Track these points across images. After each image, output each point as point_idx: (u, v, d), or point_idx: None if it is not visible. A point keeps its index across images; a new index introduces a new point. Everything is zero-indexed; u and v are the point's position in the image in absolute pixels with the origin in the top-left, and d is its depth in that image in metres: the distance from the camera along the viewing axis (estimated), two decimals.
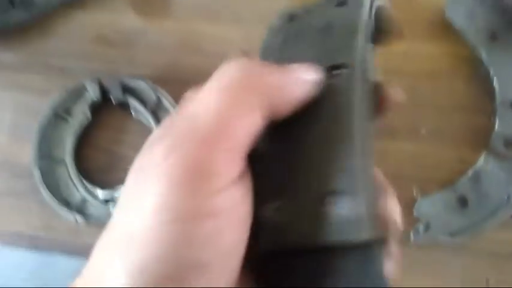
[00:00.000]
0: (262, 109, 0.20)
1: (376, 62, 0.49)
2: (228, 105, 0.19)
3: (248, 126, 0.19)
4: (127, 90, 0.49)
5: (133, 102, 0.48)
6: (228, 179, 0.18)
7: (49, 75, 0.52)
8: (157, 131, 0.21)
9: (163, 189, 0.18)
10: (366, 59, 0.23)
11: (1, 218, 0.49)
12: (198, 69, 0.51)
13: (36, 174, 0.46)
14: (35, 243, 0.48)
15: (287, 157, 0.21)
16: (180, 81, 0.50)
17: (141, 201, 0.18)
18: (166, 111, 0.48)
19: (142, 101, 0.48)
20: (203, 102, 0.20)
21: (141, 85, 0.48)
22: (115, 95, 0.48)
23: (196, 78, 0.51)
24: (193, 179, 0.18)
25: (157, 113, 0.48)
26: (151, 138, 0.21)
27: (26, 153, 0.49)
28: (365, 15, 0.23)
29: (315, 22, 0.24)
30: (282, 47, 0.25)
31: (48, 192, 0.46)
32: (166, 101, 0.47)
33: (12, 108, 0.52)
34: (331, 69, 0.22)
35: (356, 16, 0.23)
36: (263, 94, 0.20)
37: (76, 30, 0.53)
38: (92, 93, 0.48)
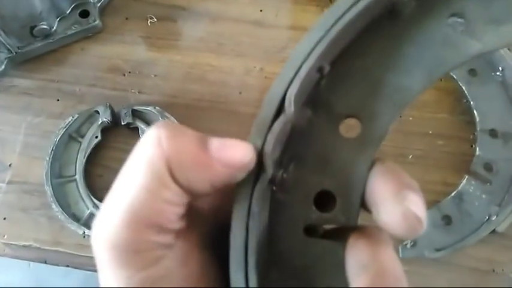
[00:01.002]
0: (179, 185, 0.19)
1: None
2: (147, 183, 0.19)
3: (169, 203, 0.19)
4: (136, 114, 0.52)
5: (141, 126, 0.52)
6: (157, 252, 0.19)
7: (62, 100, 0.56)
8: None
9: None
10: None
11: (12, 232, 0.51)
12: (201, 96, 0.55)
13: (48, 191, 0.49)
14: (43, 257, 0.51)
15: None
16: (185, 107, 0.55)
17: None
18: None
19: (150, 125, 0.52)
20: (128, 180, 0.20)
21: (150, 110, 0.52)
22: (125, 119, 0.52)
23: (200, 103, 0.56)
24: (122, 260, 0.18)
25: None
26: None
27: (37, 172, 0.52)
28: None
29: None
30: None
31: (59, 208, 0.48)
32: None
33: (25, 130, 0.55)
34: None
35: None
36: (177, 170, 0.19)
37: (90, 60, 0.58)
38: (104, 117, 0.52)
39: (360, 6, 0.20)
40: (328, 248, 0.21)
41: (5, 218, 0.52)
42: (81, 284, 1.46)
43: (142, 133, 0.52)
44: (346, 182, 0.21)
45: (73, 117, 0.52)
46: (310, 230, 0.21)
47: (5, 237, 0.52)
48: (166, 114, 0.52)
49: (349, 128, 0.22)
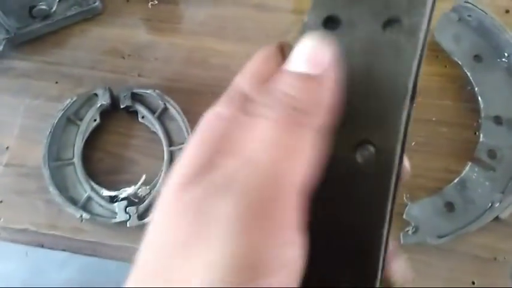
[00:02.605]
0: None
1: None
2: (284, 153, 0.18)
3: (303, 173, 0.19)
4: (136, 98, 0.52)
5: (141, 109, 0.51)
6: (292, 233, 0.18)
7: (61, 83, 0.55)
8: (215, 176, 0.18)
9: (231, 240, 0.17)
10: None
11: (8, 215, 0.51)
12: (203, 80, 0.54)
13: (46, 174, 0.48)
14: (40, 241, 0.50)
15: None
16: (185, 91, 0.54)
17: (201, 250, 0.17)
18: (172, 118, 0.51)
19: (150, 108, 0.51)
20: (260, 148, 0.19)
21: (149, 94, 0.51)
22: (124, 102, 0.51)
23: (201, 88, 0.55)
24: (260, 230, 0.17)
25: (163, 119, 0.51)
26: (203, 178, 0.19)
27: (34, 155, 0.52)
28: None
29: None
30: None
31: (56, 191, 0.48)
32: (173, 109, 0.50)
33: (23, 113, 0.55)
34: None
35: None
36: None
37: (90, 42, 0.57)
38: (103, 99, 0.51)
39: None
40: None
41: (1, 201, 0.52)
42: (78, 273, 1.45)
43: (142, 117, 0.51)
44: None
45: (72, 99, 0.51)
46: None
47: (1, 220, 0.51)
48: (167, 97, 0.51)
49: None
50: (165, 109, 0.51)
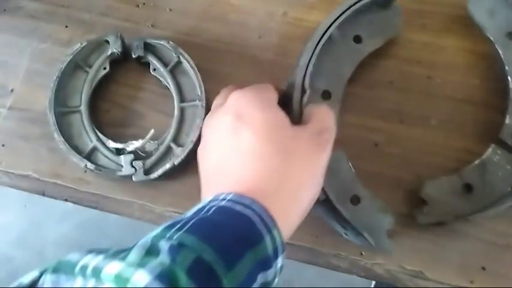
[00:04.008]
0: None
1: (396, 50, 0.50)
2: None
3: None
4: (148, 48, 0.49)
5: (153, 61, 0.49)
6: None
7: (71, 27, 0.53)
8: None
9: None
10: None
11: (10, 160, 0.49)
12: (218, 37, 0.52)
13: (51, 119, 0.47)
14: (42, 188, 0.49)
15: None
16: (200, 47, 0.51)
17: None
18: (185, 73, 0.49)
19: (163, 61, 0.49)
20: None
21: (163, 45, 0.49)
22: (136, 51, 0.49)
23: (216, 45, 0.53)
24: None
25: (175, 74, 0.49)
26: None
27: (40, 100, 0.50)
28: None
29: None
30: None
31: (61, 138, 0.46)
32: (187, 63, 0.48)
33: (30, 56, 0.53)
34: None
35: None
36: None
37: None
38: (114, 47, 0.48)
39: None
40: None
41: (3, 145, 0.50)
42: (75, 229, 1.46)
43: (154, 69, 0.49)
44: None
45: (81, 44, 0.48)
46: None
47: (3, 164, 0.50)
48: (181, 50, 0.48)
49: None
50: (179, 63, 0.49)
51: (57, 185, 0.48)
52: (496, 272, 0.43)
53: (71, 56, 0.48)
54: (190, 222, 0.29)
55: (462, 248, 0.43)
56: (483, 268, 0.43)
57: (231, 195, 0.32)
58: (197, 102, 0.47)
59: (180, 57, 0.48)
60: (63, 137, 0.46)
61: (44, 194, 0.49)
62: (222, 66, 0.51)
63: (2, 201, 1.53)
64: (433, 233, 0.44)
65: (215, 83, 0.48)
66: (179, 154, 0.46)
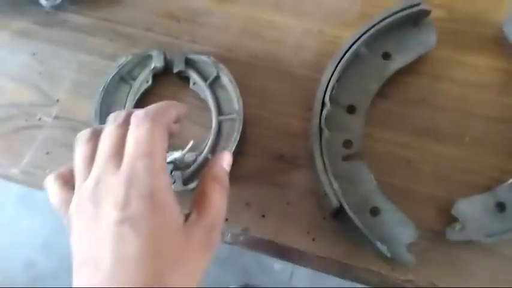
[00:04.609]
0: None
1: (427, 67, 0.51)
2: None
3: None
4: (189, 63, 0.51)
5: (193, 75, 0.51)
6: None
7: (115, 41, 0.56)
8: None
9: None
10: None
11: (54, 167, 0.51)
12: (255, 53, 0.54)
13: None
14: None
15: None
16: (237, 62, 0.53)
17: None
18: (223, 87, 0.51)
19: (202, 75, 0.51)
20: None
21: (204, 60, 0.51)
22: (177, 66, 0.51)
23: (252, 61, 0.55)
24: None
25: (214, 88, 0.51)
26: None
27: (84, 110, 0.52)
28: None
29: None
30: None
31: None
32: (226, 78, 0.50)
33: (76, 68, 0.55)
34: None
35: None
36: None
37: (147, 3, 0.57)
38: (157, 61, 0.51)
39: None
40: None
41: (48, 153, 0.53)
42: None
43: (194, 83, 0.51)
44: None
45: (127, 58, 0.51)
46: None
47: (47, 171, 0.52)
48: (221, 65, 0.50)
49: None
50: (217, 77, 0.51)
51: None
52: None
53: (118, 69, 0.50)
54: None
55: (492, 265, 0.44)
56: None
57: None
58: (234, 115, 0.49)
59: (219, 71, 0.50)
60: None
61: None
62: (259, 80, 0.53)
63: (30, 206, 1.57)
64: (464, 251, 0.44)
65: (251, 97, 0.50)
66: None
